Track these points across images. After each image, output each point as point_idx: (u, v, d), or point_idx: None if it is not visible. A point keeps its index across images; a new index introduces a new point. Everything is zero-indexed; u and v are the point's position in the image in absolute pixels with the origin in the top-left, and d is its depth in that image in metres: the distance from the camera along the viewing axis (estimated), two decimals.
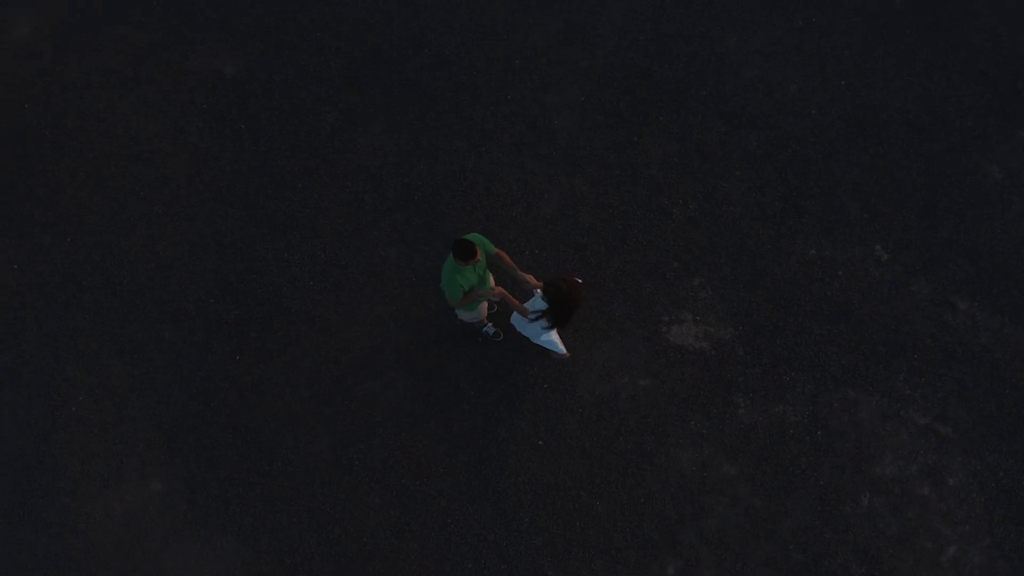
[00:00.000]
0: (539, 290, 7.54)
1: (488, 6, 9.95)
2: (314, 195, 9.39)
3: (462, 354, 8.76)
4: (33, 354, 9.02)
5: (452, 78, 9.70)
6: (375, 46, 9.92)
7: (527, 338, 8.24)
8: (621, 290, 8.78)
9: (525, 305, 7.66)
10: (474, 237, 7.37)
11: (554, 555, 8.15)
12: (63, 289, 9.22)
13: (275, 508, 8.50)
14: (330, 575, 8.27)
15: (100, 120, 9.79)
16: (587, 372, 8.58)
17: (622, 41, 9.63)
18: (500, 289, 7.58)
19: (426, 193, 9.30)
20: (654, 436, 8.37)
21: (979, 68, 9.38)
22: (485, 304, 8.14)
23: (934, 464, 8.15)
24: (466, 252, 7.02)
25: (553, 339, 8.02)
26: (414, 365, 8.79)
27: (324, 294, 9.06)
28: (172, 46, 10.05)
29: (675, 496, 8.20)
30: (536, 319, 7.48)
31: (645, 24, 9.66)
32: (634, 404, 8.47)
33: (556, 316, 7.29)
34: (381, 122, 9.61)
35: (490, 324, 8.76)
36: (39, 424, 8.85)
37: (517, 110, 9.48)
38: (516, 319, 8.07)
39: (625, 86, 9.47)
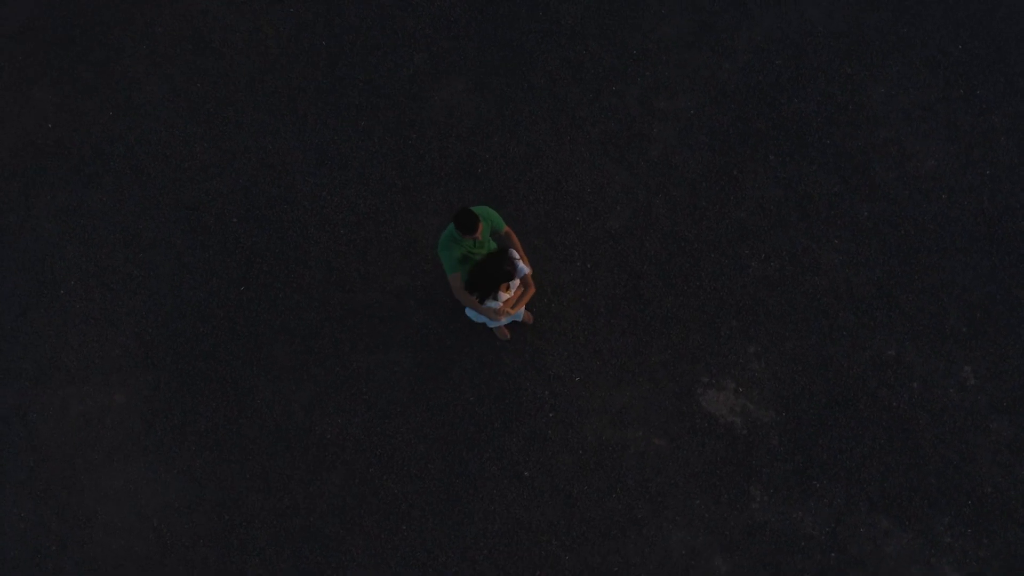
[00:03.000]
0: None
1: None
2: (374, 138, 9.47)
3: (473, 353, 8.80)
4: (39, 222, 9.43)
5: (559, 50, 9.61)
6: None
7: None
8: (666, 334, 8.66)
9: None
10: (481, 210, 7.33)
11: None
12: (89, 163, 9.57)
13: (230, 458, 8.74)
14: (264, 545, 8.49)
15: None
16: (599, 413, 8.52)
17: (755, 60, 9.37)
18: (507, 309, 7.60)
19: (491, 168, 9.28)
20: (650, 504, 8.27)
21: None
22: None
23: None
24: (467, 224, 6.96)
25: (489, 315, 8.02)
26: (420, 350, 8.86)
27: (351, 247, 9.17)
28: None
29: (652, 575, 8.10)
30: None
31: (787, 48, 9.37)
32: (640, 462, 8.38)
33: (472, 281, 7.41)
34: (467, 79, 9.61)
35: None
36: (22, 296, 9.26)
37: (617, 105, 9.34)
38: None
39: (743, 111, 9.23)
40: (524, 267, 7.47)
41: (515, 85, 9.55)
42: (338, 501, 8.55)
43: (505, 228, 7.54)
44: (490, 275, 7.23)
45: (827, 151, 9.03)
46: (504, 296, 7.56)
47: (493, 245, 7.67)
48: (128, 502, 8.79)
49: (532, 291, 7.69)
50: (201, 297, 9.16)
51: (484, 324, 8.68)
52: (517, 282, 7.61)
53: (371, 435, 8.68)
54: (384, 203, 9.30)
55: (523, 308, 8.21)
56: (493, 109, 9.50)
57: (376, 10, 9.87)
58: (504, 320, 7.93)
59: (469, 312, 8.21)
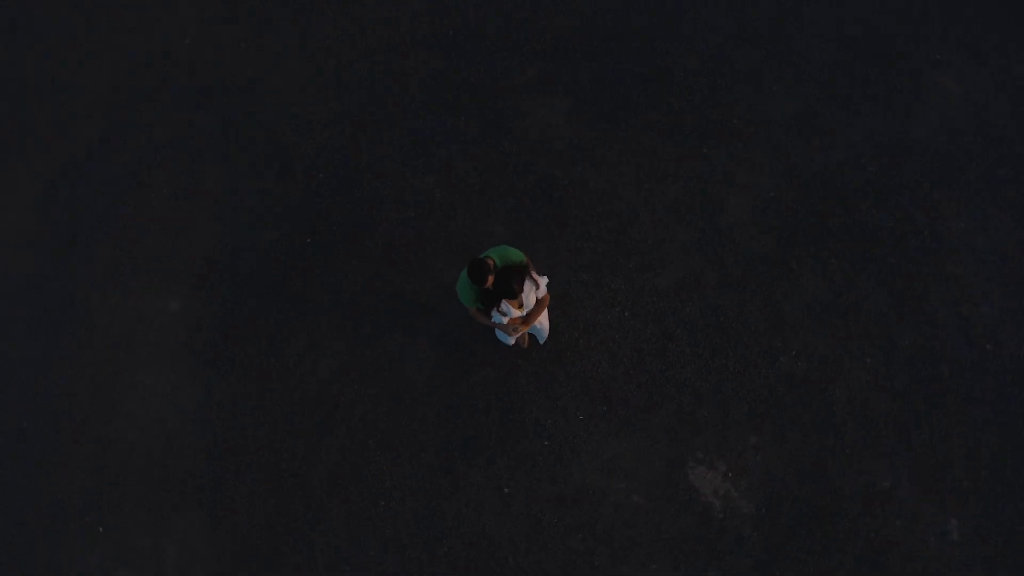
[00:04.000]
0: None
1: (752, 21, 10.03)
2: (467, 136, 9.94)
3: (495, 364, 9.22)
4: (152, 130, 10.23)
5: (664, 100, 9.90)
6: (612, 17, 10.24)
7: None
8: (677, 400, 8.94)
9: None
10: (497, 252, 7.62)
11: None
12: (212, 89, 10.37)
13: (249, 391, 9.36)
14: (255, 479, 9.09)
15: None
16: (591, 455, 8.86)
17: (848, 160, 9.49)
18: (518, 325, 7.91)
19: (567, 195, 9.64)
20: (610, 554, 8.62)
21: None
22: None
23: None
24: (476, 275, 7.28)
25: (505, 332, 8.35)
26: (448, 347, 9.30)
27: (414, 232, 9.65)
28: None
29: None
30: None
31: (883, 156, 9.47)
32: (614, 513, 8.72)
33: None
34: (570, 104, 9.97)
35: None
36: (120, 190, 10.08)
37: (701, 167, 9.61)
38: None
39: (820, 206, 9.39)
40: (538, 279, 7.72)
41: (613, 122, 9.86)
42: (330, 460, 9.11)
43: (525, 261, 7.80)
44: (495, 287, 7.43)
45: (889, 269, 9.16)
46: (515, 312, 7.80)
47: None
48: (153, 400, 9.51)
49: (545, 302, 7.92)
50: (271, 237, 9.80)
51: (511, 343, 9.07)
52: (532, 299, 7.81)
53: (379, 410, 9.19)
54: (458, 199, 9.74)
55: (538, 322, 8.51)
56: (586, 139, 9.83)
57: (500, 17, 10.30)
58: (517, 336, 8.27)
59: (499, 333, 8.63)
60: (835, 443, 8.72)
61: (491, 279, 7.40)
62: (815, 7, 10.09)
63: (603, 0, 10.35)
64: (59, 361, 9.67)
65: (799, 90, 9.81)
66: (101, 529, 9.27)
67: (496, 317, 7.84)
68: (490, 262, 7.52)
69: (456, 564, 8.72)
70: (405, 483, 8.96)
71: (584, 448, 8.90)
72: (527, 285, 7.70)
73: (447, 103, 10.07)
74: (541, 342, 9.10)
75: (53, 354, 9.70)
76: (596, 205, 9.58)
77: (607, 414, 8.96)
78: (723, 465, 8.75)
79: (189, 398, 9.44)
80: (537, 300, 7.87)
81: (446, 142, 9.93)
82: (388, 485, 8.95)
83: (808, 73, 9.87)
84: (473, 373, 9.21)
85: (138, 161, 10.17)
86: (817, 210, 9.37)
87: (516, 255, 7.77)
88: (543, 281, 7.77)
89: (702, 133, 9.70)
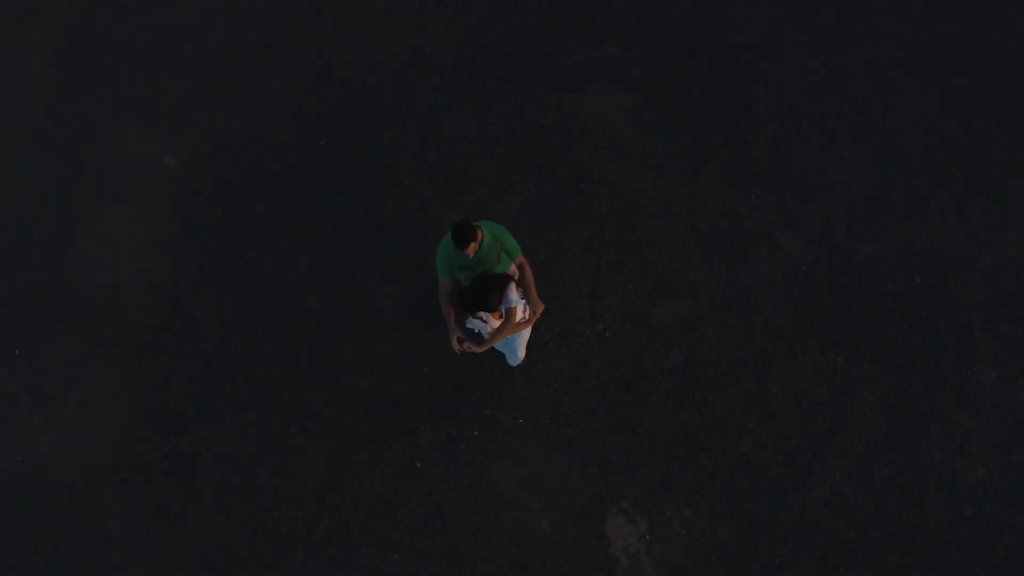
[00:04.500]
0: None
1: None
2: (516, 96, 9.40)
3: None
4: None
5: (729, 127, 9.14)
6: (713, 26, 9.52)
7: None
8: (625, 440, 8.33)
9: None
10: (491, 227, 7.17)
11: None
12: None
13: (212, 275, 9.10)
14: (180, 357, 8.87)
15: None
16: (517, 465, 8.36)
17: (896, 264, 8.67)
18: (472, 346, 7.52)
19: (594, 191, 9.04)
20: (491, 568, 8.14)
21: None
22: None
23: None
24: (460, 237, 6.84)
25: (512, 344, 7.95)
26: (419, 299, 8.85)
27: (427, 179, 9.20)
28: None
29: None
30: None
31: (932, 269, 8.63)
32: (514, 529, 8.22)
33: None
34: (634, 100, 9.31)
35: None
36: (149, 46, 9.86)
37: (743, 211, 8.88)
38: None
39: (851, 300, 8.59)
40: (515, 299, 7.27)
41: (671, 133, 9.22)
42: (267, 362, 8.82)
43: (520, 258, 7.33)
44: (470, 295, 7.05)
45: (897, 393, 8.39)
46: (494, 323, 7.40)
47: (505, 266, 7.47)
48: (133, 240, 9.32)
49: (519, 325, 7.45)
50: (287, 133, 9.46)
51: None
52: (517, 316, 7.40)
53: (333, 337, 8.85)
54: (482, 160, 9.27)
55: (512, 338, 7.99)
56: (634, 140, 9.21)
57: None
58: (485, 347, 7.69)
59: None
60: (769, 547, 8.09)
61: (474, 247, 6.95)
62: (918, 89, 9.24)
63: (717, 10, 9.67)
64: (40, 188, 9.52)
65: (879, 168, 9.00)
66: (17, 352, 9.13)
67: (470, 323, 7.42)
68: (479, 231, 7.06)
69: (341, 517, 8.39)
70: (328, 417, 8.63)
71: (512, 452, 8.43)
72: (517, 302, 7.26)
73: (508, 57, 9.56)
74: (510, 363, 8.51)
75: (38, 180, 9.55)
76: (619, 211, 8.98)
77: (548, 427, 8.45)
78: (644, 524, 8.16)
79: (154, 260, 9.20)
80: (504, 316, 7.34)
81: (493, 95, 9.44)
82: (313, 409, 8.64)
83: (896, 152, 9.03)
84: (437, 332, 8.75)
85: (177, 22, 9.98)
86: (845, 301, 8.62)
87: (510, 244, 7.32)
88: (518, 305, 7.29)
89: (758, 176, 8.99)
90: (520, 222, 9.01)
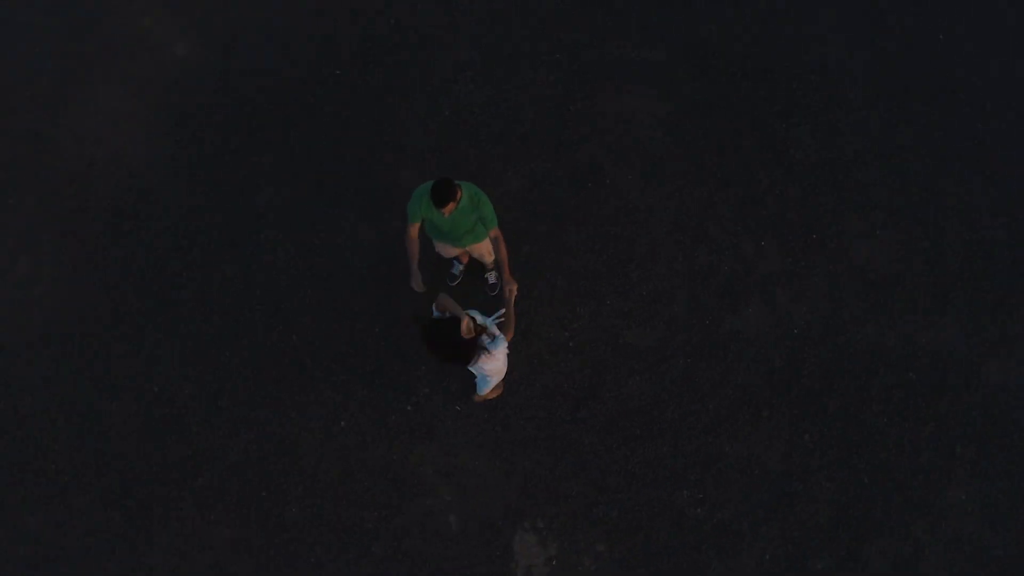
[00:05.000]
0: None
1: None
2: (549, 71, 8.98)
3: (430, 297, 8.32)
4: None
5: (782, 166, 8.62)
6: (769, 52, 9.00)
7: None
8: (557, 458, 7.87)
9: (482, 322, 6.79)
10: (472, 191, 6.78)
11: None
12: None
13: (202, 181, 8.82)
14: (154, 239, 8.59)
15: None
16: (441, 453, 7.97)
17: (910, 355, 8.12)
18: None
19: (599, 193, 8.57)
20: (386, 546, 7.76)
21: None
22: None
23: None
24: (438, 195, 6.50)
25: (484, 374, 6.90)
26: (393, 251, 8.46)
27: (438, 132, 8.83)
28: None
29: None
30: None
31: (946, 376, 8.06)
32: (421, 517, 7.84)
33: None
34: (669, 108, 8.83)
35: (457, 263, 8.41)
36: None
37: (749, 254, 8.35)
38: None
39: (840, 378, 8.06)
40: (496, 336, 6.56)
41: (696, 152, 8.75)
42: (233, 269, 8.53)
43: (495, 231, 6.87)
44: (437, 342, 6.27)
45: (854, 486, 7.82)
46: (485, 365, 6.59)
47: (479, 236, 7.15)
48: (123, 121, 9.04)
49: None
50: (308, 55, 9.17)
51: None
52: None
53: (302, 275, 8.53)
54: (499, 130, 8.90)
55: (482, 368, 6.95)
56: (658, 151, 8.75)
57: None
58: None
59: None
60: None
61: (451, 208, 6.57)
62: (977, 186, 8.64)
63: (786, 46, 9.15)
64: (46, 44, 9.29)
65: (906, 252, 8.46)
66: None
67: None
68: (459, 192, 6.66)
69: (250, 455, 8.06)
70: (265, 347, 8.32)
71: (440, 439, 8.04)
72: (492, 345, 6.48)
73: (554, 38, 9.14)
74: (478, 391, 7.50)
75: (45, 36, 9.30)
76: (619, 222, 8.54)
77: (484, 423, 8.04)
78: (554, 549, 7.72)
79: (137, 147, 8.94)
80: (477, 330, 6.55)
81: (524, 70, 9.04)
82: (253, 333, 8.32)
83: (931, 241, 8.46)
84: (400, 294, 8.31)
85: None
86: (829, 379, 8.10)
87: (488, 214, 6.84)
88: (497, 349, 6.50)
89: (775, 224, 8.50)
90: (514, 207, 8.61)
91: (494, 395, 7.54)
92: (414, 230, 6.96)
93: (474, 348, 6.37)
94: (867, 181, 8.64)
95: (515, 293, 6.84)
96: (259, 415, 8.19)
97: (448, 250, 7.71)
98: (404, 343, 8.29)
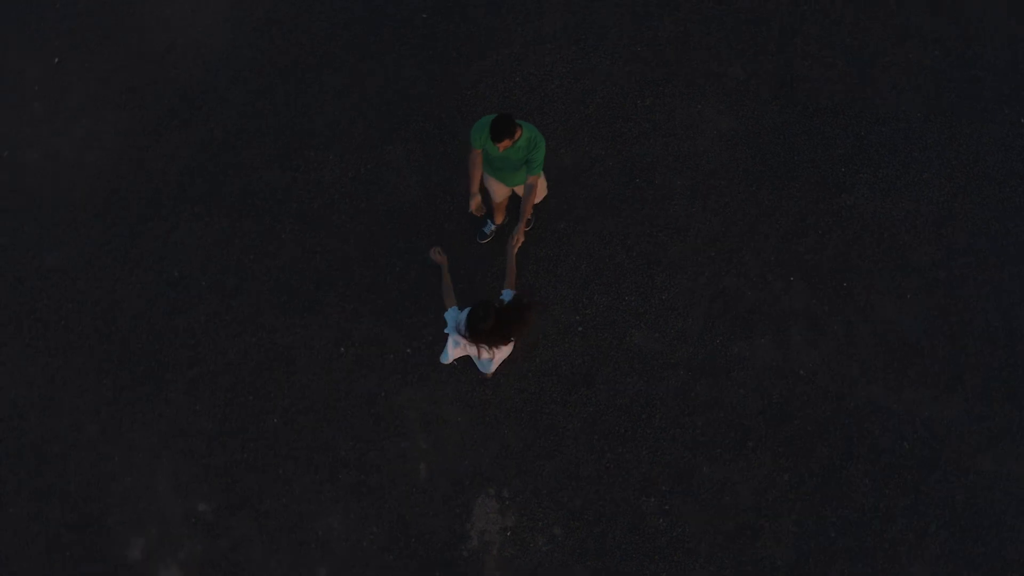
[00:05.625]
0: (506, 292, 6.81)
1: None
2: (622, 58, 8.97)
3: (469, 254, 7.93)
4: None
5: (850, 230, 8.57)
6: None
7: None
8: (537, 434, 7.95)
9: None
10: (530, 131, 6.89)
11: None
12: None
13: (245, 108, 9.02)
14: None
15: None
16: (427, 401, 8.08)
17: (907, 423, 8.01)
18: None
19: (643, 193, 8.55)
20: (344, 480, 7.92)
21: None
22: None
23: None
24: (497, 129, 6.62)
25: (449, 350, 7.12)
26: (442, 193, 8.59)
27: (503, 84, 8.87)
28: None
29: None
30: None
31: (950, 447, 7.96)
32: (394, 455, 7.97)
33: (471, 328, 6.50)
34: (733, 123, 8.80)
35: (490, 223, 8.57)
36: None
37: (787, 304, 8.33)
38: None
39: (834, 433, 8.00)
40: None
41: (752, 176, 8.71)
42: (269, 190, 8.71)
43: (533, 178, 7.05)
44: (471, 317, 6.42)
45: (818, 538, 7.78)
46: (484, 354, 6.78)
47: (521, 178, 7.28)
48: (216, 14, 9.22)
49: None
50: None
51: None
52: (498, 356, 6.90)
53: (339, 194, 8.66)
54: (555, 119, 8.89)
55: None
56: (713, 165, 8.73)
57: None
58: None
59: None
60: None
61: (507, 144, 6.72)
62: (1019, 277, 8.83)
63: (863, 91, 9.02)
64: None
65: (931, 327, 8.34)
66: (56, 60, 9.18)
67: (451, 336, 6.81)
68: (518, 132, 6.81)
69: (247, 361, 8.24)
70: (285, 256, 8.51)
71: (430, 387, 8.16)
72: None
73: (642, 28, 9.13)
74: (481, 371, 7.95)
75: None
76: (656, 223, 8.57)
77: (475, 384, 8.15)
78: (512, 521, 7.82)
79: (228, 43, 9.13)
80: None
81: (605, 49, 9.05)
82: (279, 241, 8.52)
83: (959, 323, 8.33)
84: (430, 240, 8.48)
85: None
86: (823, 428, 8.02)
87: (537, 159, 6.97)
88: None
89: (808, 266, 8.41)
90: (560, 183, 8.67)
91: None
92: (477, 154, 7.18)
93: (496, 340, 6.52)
94: (911, 244, 8.55)
95: (519, 244, 7.00)
96: (266, 322, 8.38)
97: (498, 189, 7.82)
98: (420, 288, 8.42)
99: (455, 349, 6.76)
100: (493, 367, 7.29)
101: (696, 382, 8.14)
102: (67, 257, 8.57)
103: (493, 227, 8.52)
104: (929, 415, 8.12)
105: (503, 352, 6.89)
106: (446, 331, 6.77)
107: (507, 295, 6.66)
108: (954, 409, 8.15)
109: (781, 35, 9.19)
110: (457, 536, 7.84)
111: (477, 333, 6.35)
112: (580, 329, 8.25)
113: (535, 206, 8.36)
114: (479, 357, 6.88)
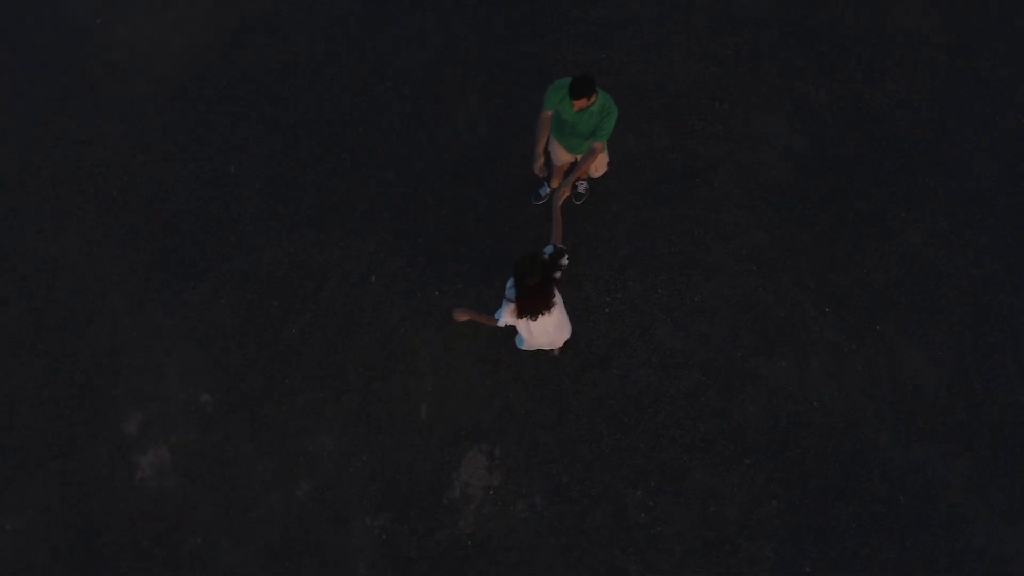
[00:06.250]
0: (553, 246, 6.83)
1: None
2: (696, 61, 9.03)
3: (484, 231, 8.55)
4: None
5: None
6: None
7: None
8: (541, 405, 8.00)
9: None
10: (606, 99, 6.96)
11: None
12: None
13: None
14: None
15: None
16: (442, 347, 8.20)
17: (900, 480, 7.95)
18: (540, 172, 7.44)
19: (701, 192, 8.59)
20: (341, 413, 8.09)
21: None
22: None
23: None
24: (577, 88, 6.70)
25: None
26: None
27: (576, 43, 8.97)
28: None
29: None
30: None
31: (944, 503, 7.92)
32: (401, 395, 8.10)
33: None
34: (806, 143, 8.78)
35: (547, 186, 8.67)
36: None
37: (819, 332, 8.32)
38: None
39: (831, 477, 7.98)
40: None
41: (808, 197, 8.66)
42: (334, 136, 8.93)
43: (600, 144, 7.10)
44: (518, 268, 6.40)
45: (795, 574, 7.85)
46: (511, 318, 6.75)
47: (584, 146, 7.35)
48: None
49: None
50: None
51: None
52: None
53: (402, 133, 8.81)
54: (629, 111, 8.95)
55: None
56: (772, 179, 8.71)
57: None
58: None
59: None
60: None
61: (581, 104, 6.82)
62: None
63: (936, 153, 8.96)
64: None
65: (954, 382, 8.25)
66: (99, 21, 9.51)
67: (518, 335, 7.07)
68: (595, 97, 6.90)
69: (280, 263, 8.45)
70: (336, 176, 8.69)
71: (449, 334, 8.29)
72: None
73: (738, 31, 9.19)
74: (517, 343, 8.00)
75: None
76: (705, 224, 8.61)
77: (492, 341, 8.24)
78: (497, 481, 7.90)
79: None
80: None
81: (696, 41, 9.11)
82: (334, 161, 8.71)
83: (983, 393, 8.21)
84: (482, 197, 8.58)
85: None
86: (824, 463, 7.97)
87: (606, 128, 7.03)
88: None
89: (847, 300, 8.36)
90: (620, 166, 8.72)
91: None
92: (547, 116, 7.23)
93: (538, 301, 6.51)
94: (952, 302, 8.47)
95: (563, 197, 7.02)
96: (307, 235, 8.58)
97: (561, 155, 7.87)
98: (461, 237, 8.53)
99: (509, 315, 6.78)
100: (559, 344, 7.32)
101: (708, 388, 8.16)
102: (132, 130, 8.84)
103: (548, 191, 8.61)
104: (932, 474, 8.04)
105: (563, 332, 6.99)
106: (506, 295, 6.72)
107: (548, 250, 6.69)
108: (958, 475, 8.06)
109: (870, 69, 9.17)
110: (441, 483, 7.94)
111: (523, 288, 6.31)
112: (607, 311, 8.30)
113: (592, 180, 8.45)
114: (529, 330, 6.88)
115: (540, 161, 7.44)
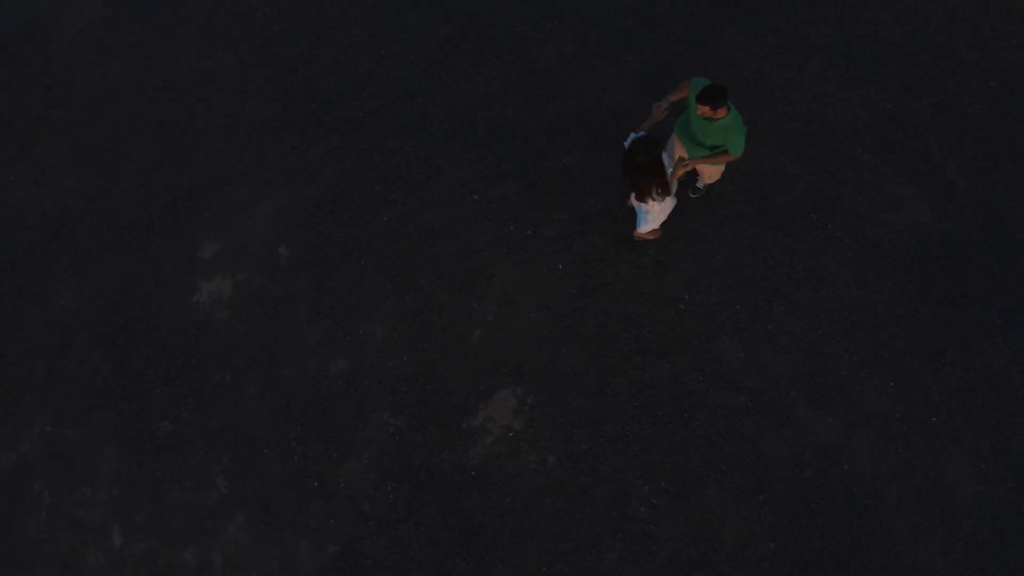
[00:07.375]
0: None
1: None
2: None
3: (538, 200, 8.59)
4: None
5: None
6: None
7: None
8: (577, 358, 8.14)
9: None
10: (736, 119, 7.02)
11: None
12: None
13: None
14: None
15: None
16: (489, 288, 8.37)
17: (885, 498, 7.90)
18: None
19: (727, 197, 8.54)
20: (342, 341, 8.31)
21: None
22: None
23: None
24: (709, 94, 6.72)
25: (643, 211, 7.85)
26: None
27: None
28: None
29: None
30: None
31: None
32: (458, 319, 8.27)
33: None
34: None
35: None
36: None
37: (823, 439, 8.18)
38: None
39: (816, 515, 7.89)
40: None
41: (927, 283, 8.47)
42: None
43: (733, 158, 7.22)
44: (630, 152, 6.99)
45: None
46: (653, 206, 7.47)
47: (699, 154, 7.39)
48: None
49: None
50: None
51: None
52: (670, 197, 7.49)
53: (474, 66, 8.96)
54: (762, 136, 8.93)
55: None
56: (897, 249, 8.54)
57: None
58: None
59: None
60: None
61: (705, 111, 6.82)
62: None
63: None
64: None
65: (985, 497, 8.08)
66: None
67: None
68: (726, 111, 6.94)
69: (341, 177, 8.66)
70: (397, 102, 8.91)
71: (528, 272, 8.49)
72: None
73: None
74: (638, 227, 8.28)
75: None
76: (803, 266, 8.51)
77: (566, 294, 8.36)
78: (519, 427, 8.06)
79: None
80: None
81: (861, 80, 8.97)
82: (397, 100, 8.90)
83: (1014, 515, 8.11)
84: (614, 152, 8.67)
85: None
86: (834, 526, 7.86)
87: (734, 144, 7.14)
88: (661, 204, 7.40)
89: (916, 386, 8.19)
90: (746, 176, 8.72)
91: (651, 236, 8.31)
92: (687, 88, 7.22)
93: (650, 179, 7.18)
94: (1016, 423, 8.21)
95: (679, 173, 7.44)
96: (435, 136, 8.75)
97: (678, 150, 7.89)
98: (575, 188, 8.66)
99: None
100: (658, 220, 7.90)
101: (748, 416, 8.15)
102: (182, 70, 9.11)
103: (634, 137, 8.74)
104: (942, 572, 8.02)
105: (667, 204, 7.57)
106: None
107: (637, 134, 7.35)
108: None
109: (996, 172, 8.97)
110: (467, 408, 8.13)
111: (630, 165, 7.08)
112: (681, 307, 8.33)
113: (709, 185, 8.52)
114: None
115: (662, 107, 7.31)
